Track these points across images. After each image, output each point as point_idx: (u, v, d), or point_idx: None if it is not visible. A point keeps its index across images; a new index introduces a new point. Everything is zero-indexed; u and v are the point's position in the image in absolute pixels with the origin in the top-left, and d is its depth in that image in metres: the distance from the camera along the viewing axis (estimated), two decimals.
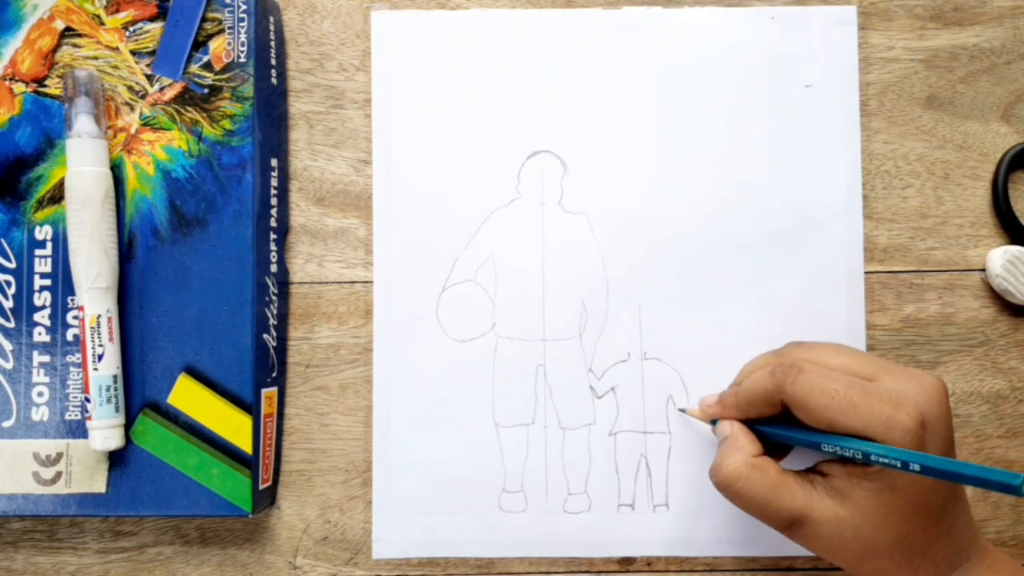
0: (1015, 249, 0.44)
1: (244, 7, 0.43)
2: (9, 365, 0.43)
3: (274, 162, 0.44)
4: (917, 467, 0.33)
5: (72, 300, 0.43)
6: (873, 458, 0.34)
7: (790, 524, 0.37)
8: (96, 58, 0.43)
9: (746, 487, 0.37)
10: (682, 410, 0.44)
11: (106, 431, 0.41)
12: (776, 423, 0.39)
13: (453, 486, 0.44)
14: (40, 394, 0.42)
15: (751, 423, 0.40)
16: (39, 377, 0.43)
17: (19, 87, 0.43)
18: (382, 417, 0.44)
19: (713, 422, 0.41)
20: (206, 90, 0.43)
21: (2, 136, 0.43)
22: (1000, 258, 0.44)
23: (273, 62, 0.44)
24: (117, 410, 0.41)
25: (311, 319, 0.45)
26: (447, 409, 0.44)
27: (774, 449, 0.40)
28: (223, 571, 0.45)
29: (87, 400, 0.41)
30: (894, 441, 0.34)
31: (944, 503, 0.36)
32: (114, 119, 0.43)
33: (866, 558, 0.36)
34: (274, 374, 0.44)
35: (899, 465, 0.33)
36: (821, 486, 0.37)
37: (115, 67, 0.43)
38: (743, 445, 0.39)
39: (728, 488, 0.38)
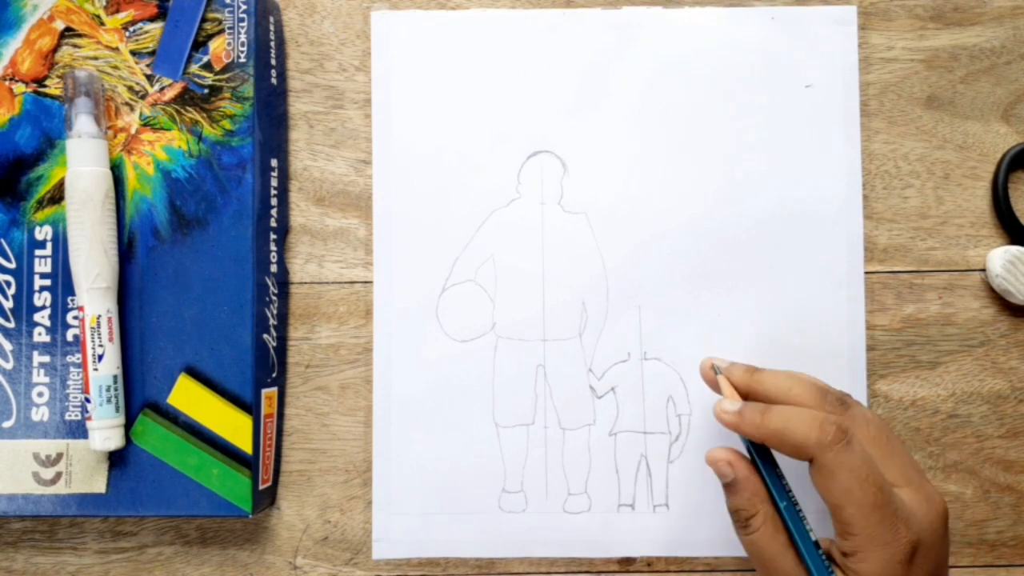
0: (1015, 249, 0.44)
1: (244, 7, 0.43)
2: (9, 365, 0.43)
3: (274, 162, 0.44)
4: None
5: (72, 300, 0.43)
6: None
7: None
8: (96, 58, 0.43)
9: (763, 537, 0.37)
10: (718, 371, 0.40)
11: (106, 431, 0.41)
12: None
13: (453, 486, 0.44)
14: (40, 394, 0.42)
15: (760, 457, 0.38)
16: (39, 377, 0.43)
17: (19, 87, 0.43)
18: (382, 417, 0.44)
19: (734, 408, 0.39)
20: (206, 90, 0.43)
21: (2, 136, 0.43)
22: (1000, 258, 0.44)
23: (273, 62, 0.44)
24: (117, 410, 0.41)
25: (311, 319, 0.45)
26: (447, 409, 0.44)
27: None
28: (223, 571, 0.45)
29: (87, 400, 0.41)
30: (879, 557, 0.34)
31: None
32: (114, 119, 0.43)
33: None
34: (274, 374, 0.44)
35: None
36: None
37: (115, 67, 0.43)
38: (762, 493, 0.37)
39: (749, 531, 0.37)
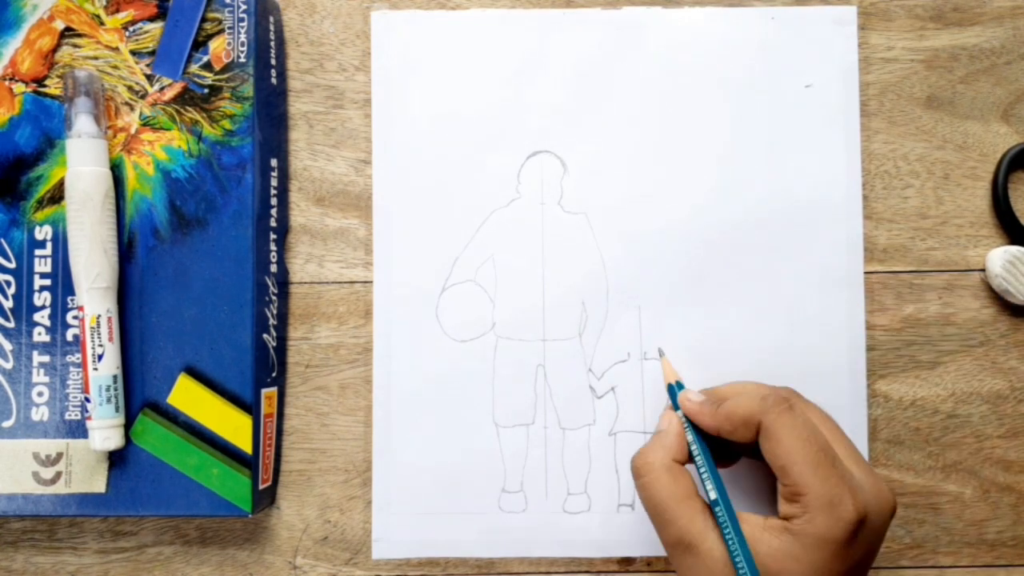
0: (1015, 249, 0.44)
1: (244, 7, 0.43)
2: (9, 365, 0.43)
3: (274, 162, 0.44)
4: None
5: (72, 300, 0.43)
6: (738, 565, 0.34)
7: (676, 543, 0.36)
8: (96, 58, 0.43)
9: (653, 483, 0.37)
10: (661, 352, 0.44)
11: (106, 431, 0.41)
12: (725, 453, 0.40)
13: (453, 486, 0.44)
14: (40, 394, 0.42)
15: (706, 441, 0.39)
16: (39, 377, 0.43)
17: (19, 87, 0.43)
18: (382, 417, 0.44)
19: (674, 395, 0.41)
20: (206, 90, 0.43)
21: (2, 136, 0.43)
22: (1000, 258, 0.44)
23: (273, 62, 0.44)
24: (117, 410, 0.41)
25: (311, 319, 0.45)
26: (447, 409, 0.44)
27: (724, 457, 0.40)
28: (223, 571, 0.45)
29: (87, 400, 0.41)
30: (825, 519, 0.34)
31: None
32: (114, 119, 0.43)
33: None
34: (274, 374, 0.44)
35: None
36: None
37: (115, 67, 0.43)
38: (670, 444, 0.38)
39: (638, 478, 0.38)
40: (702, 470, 0.38)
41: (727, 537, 0.35)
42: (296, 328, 0.45)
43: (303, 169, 0.46)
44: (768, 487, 0.41)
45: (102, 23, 0.43)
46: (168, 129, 0.43)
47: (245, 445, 0.42)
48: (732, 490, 0.41)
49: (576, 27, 0.45)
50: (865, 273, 0.45)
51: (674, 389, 0.41)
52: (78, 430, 0.42)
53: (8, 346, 0.43)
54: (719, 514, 0.36)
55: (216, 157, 0.43)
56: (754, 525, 0.35)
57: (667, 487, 0.37)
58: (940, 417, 0.45)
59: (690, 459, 0.39)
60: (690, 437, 0.39)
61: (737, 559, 0.34)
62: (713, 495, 0.36)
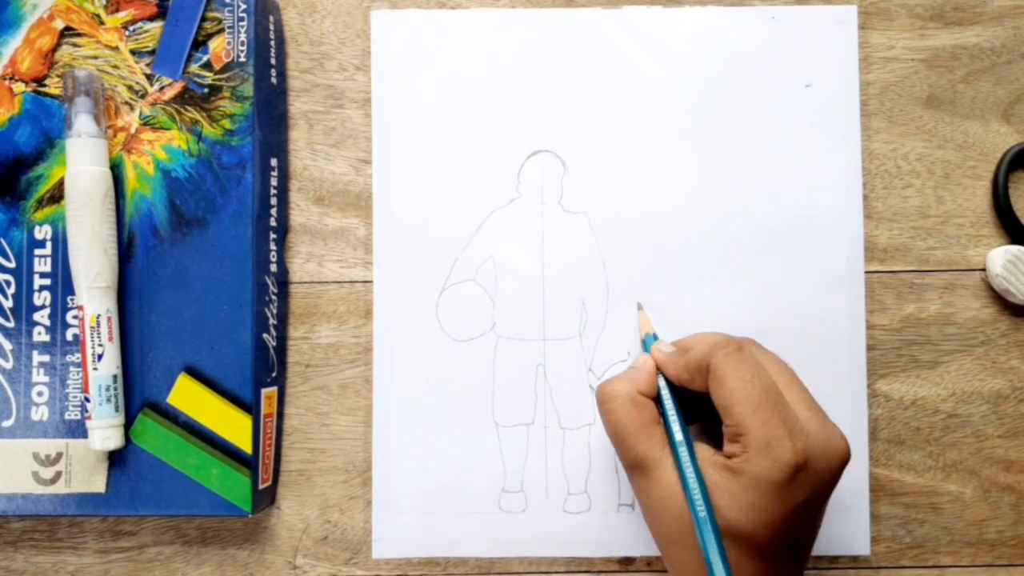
0: (1015, 249, 0.44)
1: (244, 7, 0.43)
2: (9, 365, 0.43)
3: (274, 162, 0.44)
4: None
5: (72, 300, 0.43)
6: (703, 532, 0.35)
7: (634, 465, 0.38)
8: (96, 57, 0.43)
9: (616, 410, 0.38)
10: (640, 307, 0.44)
11: (106, 431, 0.41)
12: (695, 408, 0.40)
13: (453, 486, 0.44)
14: (40, 394, 0.42)
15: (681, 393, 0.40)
16: (39, 377, 0.43)
17: (19, 87, 0.43)
18: (382, 417, 0.44)
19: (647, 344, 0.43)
20: (206, 90, 0.43)
21: (2, 136, 0.43)
22: (1000, 258, 0.44)
23: (273, 62, 0.44)
24: (117, 410, 0.41)
25: (311, 319, 0.45)
26: (447, 409, 0.44)
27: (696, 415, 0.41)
28: (223, 571, 0.45)
29: (87, 400, 0.41)
30: (762, 460, 0.34)
31: (778, 553, 0.35)
32: (114, 119, 0.43)
33: (675, 540, 0.36)
34: (274, 374, 0.44)
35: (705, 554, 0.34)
36: None
37: (115, 66, 0.43)
38: (637, 378, 0.40)
39: (601, 404, 0.39)
40: (670, 414, 0.38)
41: (687, 482, 0.36)
42: (296, 328, 0.45)
43: (303, 169, 0.46)
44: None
45: (102, 22, 0.43)
46: (168, 129, 0.43)
47: (245, 445, 0.42)
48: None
49: (576, 27, 0.45)
50: (865, 273, 0.45)
51: (649, 340, 0.42)
52: (78, 430, 0.42)
53: (8, 346, 0.43)
54: (682, 455, 0.36)
55: (216, 157, 0.43)
56: (702, 457, 0.36)
57: (630, 414, 0.38)
58: (940, 417, 0.45)
59: (657, 401, 0.40)
60: (662, 382, 0.40)
61: (696, 500, 0.35)
62: (679, 437, 0.37)
